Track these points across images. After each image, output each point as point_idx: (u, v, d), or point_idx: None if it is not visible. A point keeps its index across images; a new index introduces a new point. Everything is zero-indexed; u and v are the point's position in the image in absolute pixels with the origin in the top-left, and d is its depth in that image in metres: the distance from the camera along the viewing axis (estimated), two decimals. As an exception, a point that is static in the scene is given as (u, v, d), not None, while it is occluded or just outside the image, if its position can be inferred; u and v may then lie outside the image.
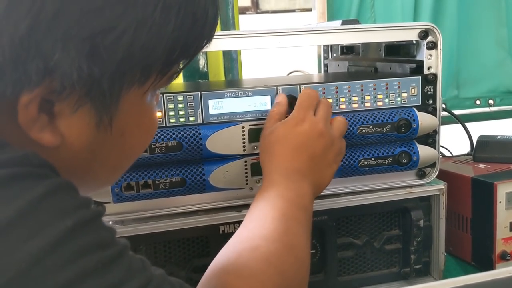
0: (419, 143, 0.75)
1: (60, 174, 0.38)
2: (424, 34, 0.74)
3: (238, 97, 0.69)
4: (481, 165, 0.90)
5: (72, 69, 0.34)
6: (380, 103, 0.74)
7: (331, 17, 1.55)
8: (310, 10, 1.69)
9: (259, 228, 0.53)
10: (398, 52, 0.84)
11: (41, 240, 0.31)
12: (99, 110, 0.38)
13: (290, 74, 1.12)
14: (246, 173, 0.71)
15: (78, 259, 0.32)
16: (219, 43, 0.68)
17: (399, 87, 0.74)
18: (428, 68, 0.75)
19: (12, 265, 0.30)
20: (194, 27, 0.40)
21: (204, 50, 0.44)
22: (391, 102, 0.74)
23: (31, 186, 0.33)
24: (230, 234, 0.55)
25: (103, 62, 0.35)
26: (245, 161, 0.71)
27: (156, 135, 0.65)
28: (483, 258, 0.83)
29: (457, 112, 1.17)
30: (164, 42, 0.38)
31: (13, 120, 0.36)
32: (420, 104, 0.75)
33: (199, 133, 0.67)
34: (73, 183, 0.37)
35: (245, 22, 1.62)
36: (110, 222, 0.68)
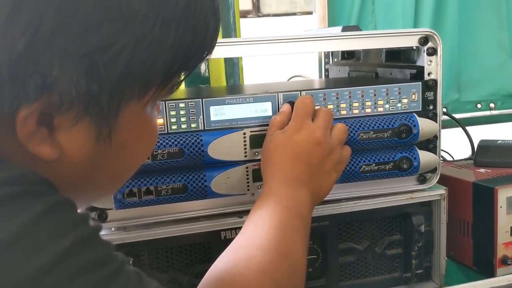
0: (419, 149, 0.75)
1: (58, 190, 0.38)
2: (424, 40, 0.74)
3: (239, 103, 0.70)
4: (482, 170, 0.91)
5: (70, 86, 0.34)
6: (380, 109, 0.74)
7: (332, 20, 1.56)
8: (311, 13, 1.69)
9: (256, 237, 0.53)
10: (399, 57, 0.85)
11: (39, 261, 0.31)
12: (98, 123, 0.38)
13: (291, 79, 1.13)
14: (247, 179, 0.71)
15: (76, 279, 0.32)
16: (220, 51, 0.68)
17: (399, 93, 0.74)
18: (429, 74, 0.75)
19: (10, 286, 0.30)
20: (195, 40, 0.40)
21: (205, 60, 0.44)
22: (392, 108, 0.74)
23: (29, 205, 0.33)
24: (232, 240, 0.55)
25: (102, 78, 0.35)
26: (247, 167, 0.71)
27: (158, 141, 0.66)
28: (484, 263, 0.83)
29: (458, 115, 1.17)
30: (164, 57, 0.38)
31: (12, 134, 0.36)
32: (420, 109, 0.75)
33: (201, 140, 0.67)
34: (71, 198, 0.37)
35: (246, 25, 1.63)
36: (113, 229, 0.69)
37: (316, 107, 0.68)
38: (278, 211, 0.56)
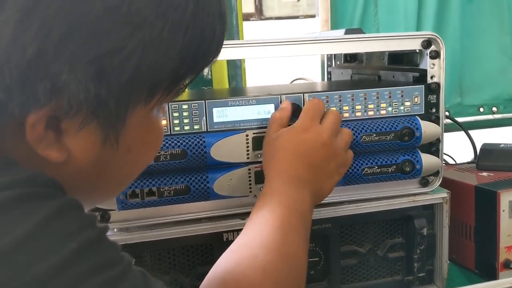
0: (422, 152, 0.75)
1: (66, 191, 0.38)
2: (427, 43, 0.74)
3: (242, 105, 0.70)
4: (485, 173, 0.91)
5: (79, 90, 0.35)
6: (383, 112, 0.74)
7: (334, 24, 1.56)
8: (313, 16, 1.69)
9: (258, 236, 0.53)
10: (402, 60, 0.85)
11: (47, 264, 0.31)
12: (105, 127, 0.38)
13: (294, 82, 1.13)
14: (250, 181, 0.71)
15: (84, 281, 0.33)
16: (223, 52, 0.67)
17: (402, 96, 0.74)
18: (431, 77, 0.75)
19: None
20: (202, 45, 0.40)
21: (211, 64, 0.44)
22: (394, 111, 0.74)
23: (36, 208, 0.33)
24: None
25: (110, 83, 0.36)
26: (249, 169, 0.71)
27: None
28: (487, 267, 0.83)
29: (460, 119, 1.17)
30: (172, 61, 0.38)
31: (21, 138, 0.36)
32: (423, 112, 0.75)
33: (204, 141, 0.67)
34: (78, 200, 0.37)
35: (249, 28, 1.63)
36: (115, 230, 0.69)
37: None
38: (280, 210, 0.56)
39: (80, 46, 0.34)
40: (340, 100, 0.73)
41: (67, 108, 0.35)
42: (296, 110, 0.68)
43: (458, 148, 1.15)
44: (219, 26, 0.42)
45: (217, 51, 0.44)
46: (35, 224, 0.33)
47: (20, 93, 0.34)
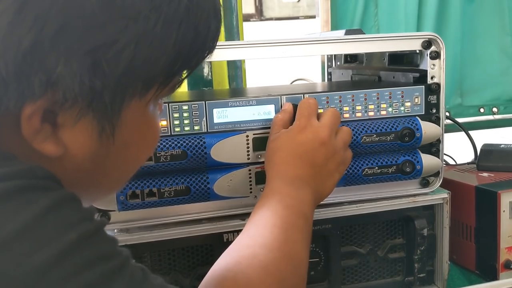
0: (422, 152, 0.75)
1: (64, 186, 0.38)
2: (427, 44, 0.74)
3: (243, 106, 0.70)
4: (485, 174, 0.91)
5: (74, 82, 0.35)
6: (383, 112, 0.74)
7: (334, 25, 1.56)
8: (313, 17, 1.69)
9: (259, 236, 0.53)
10: (402, 61, 0.85)
11: (46, 254, 0.32)
12: (101, 120, 0.38)
13: (294, 82, 1.13)
14: (250, 181, 0.71)
15: (82, 272, 0.33)
16: (223, 53, 0.69)
17: (402, 97, 0.74)
18: (432, 78, 0.75)
19: (18, 279, 0.31)
20: (196, 40, 0.41)
21: (206, 60, 0.45)
22: (395, 111, 0.74)
23: (36, 199, 0.34)
24: (234, 243, 0.55)
25: (105, 75, 0.36)
26: (249, 170, 0.71)
27: (161, 143, 0.66)
28: (487, 267, 0.83)
29: (461, 120, 1.17)
30: (166, 55, 0.39)
31: (17, 132, 0.36)
32: (423, 113, 0.75)
33: (204, 142, 0.67)
34: (76, 194, 0.37)
35: (249, 29, 1.63)
36: (115, 230, 0.69)
37: (319, 111, 0.69)
38: (281, 210, 0.56)
39: (75, 39, 0.34)
40: (340, 101, 0.73)
41: (62, 101, 0.35)
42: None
43: (458, 148, 1.15)
44: (213, 21, 0.42)
45: (211, 47, 0.44)
46: (34, 215, 0.33)
47: (16, 85, 0.34)
